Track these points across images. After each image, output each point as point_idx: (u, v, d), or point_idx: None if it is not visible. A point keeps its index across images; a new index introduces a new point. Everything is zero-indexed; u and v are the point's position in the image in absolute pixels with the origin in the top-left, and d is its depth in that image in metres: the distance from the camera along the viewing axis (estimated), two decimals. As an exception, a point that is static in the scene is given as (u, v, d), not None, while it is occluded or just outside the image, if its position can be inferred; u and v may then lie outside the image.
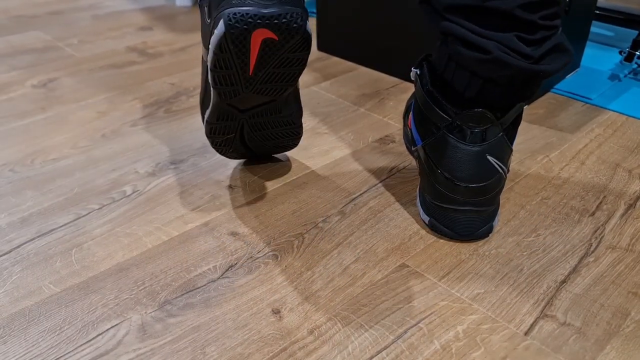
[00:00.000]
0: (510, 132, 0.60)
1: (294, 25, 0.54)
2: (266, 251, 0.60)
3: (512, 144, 0.61)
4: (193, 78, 1.01)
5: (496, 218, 0.62)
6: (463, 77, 0.57)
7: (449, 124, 0.58)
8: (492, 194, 0.59)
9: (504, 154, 0.59)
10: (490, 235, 0.63)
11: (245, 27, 0.53)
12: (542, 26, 0.54)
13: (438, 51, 0.60)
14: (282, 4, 0.53)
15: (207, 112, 0.64)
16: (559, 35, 0.55)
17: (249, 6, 0.53)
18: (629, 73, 1.03)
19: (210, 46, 0.55)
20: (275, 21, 0.53)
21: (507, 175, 0.61)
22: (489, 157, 0.57)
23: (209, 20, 0.58)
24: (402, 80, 1.01)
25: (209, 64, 0.57)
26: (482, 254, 0.60)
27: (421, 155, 0.62)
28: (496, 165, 0.58)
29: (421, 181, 0.64)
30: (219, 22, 0.53)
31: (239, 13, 0.52)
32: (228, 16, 0.52)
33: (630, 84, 0.99)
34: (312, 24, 1.28)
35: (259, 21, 0.53)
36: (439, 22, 0.57)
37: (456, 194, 0.59)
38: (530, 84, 0.57)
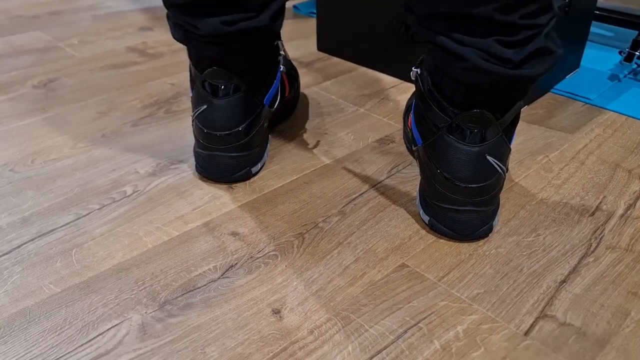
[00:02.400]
0: (509, 131, 0.60)
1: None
2: (266, 251, 0.60)
3: (510, 142, 0.61)
4: (193, 78, 1.01)
5: (496, 218, 0.62)
6: (448, 83, 0.57)
7: (449, 124, 0.58)
8: (492, 194, 0.59)
9: (504, 154, 0.59)
10: (490, 235, 0.63)
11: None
12: (523, 26, 0.52)
13: (427, 57, 0.60)
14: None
15: None
16: (544, 37, 0.53)
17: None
18: (629, 73, 1.03)
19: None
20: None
21: (507, 174, 0.61)
22: (489, 157, 0.57)
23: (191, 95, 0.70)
24: (402, 80, 1.01)
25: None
26: (482, 254, 0.60)
27: (421, 156, 0.62)
28: (496, 165, 0.58)
29: (421, 181, 0.64)
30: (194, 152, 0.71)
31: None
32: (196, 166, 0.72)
33: (630, 84, 0.99)
34: (312, 24, 1.28)
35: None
36: (422, 31, 0.57)
37: (456, 194, 0.59)
38: (515, 88, 0.56)
